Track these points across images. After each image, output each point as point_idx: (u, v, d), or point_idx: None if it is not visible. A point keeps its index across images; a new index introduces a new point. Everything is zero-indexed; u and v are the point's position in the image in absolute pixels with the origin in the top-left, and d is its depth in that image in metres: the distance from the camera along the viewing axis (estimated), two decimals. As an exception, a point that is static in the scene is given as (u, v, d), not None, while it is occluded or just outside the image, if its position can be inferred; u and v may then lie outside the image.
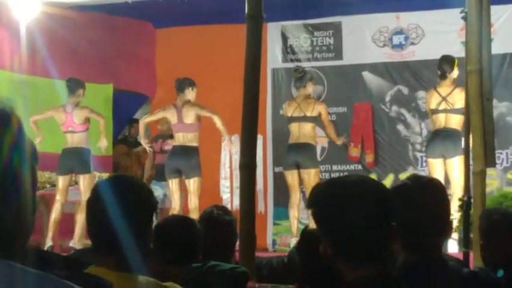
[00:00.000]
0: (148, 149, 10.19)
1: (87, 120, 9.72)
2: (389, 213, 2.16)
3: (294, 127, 9.58)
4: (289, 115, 9.61)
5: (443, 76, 9.11)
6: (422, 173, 10.45)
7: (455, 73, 9.07)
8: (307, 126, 9.51)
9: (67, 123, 9.63)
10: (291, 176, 9.58)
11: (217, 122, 9.40)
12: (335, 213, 2.14)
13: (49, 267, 1.39)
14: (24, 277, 1.20)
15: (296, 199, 9.61)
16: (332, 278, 3.38)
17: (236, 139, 9.60)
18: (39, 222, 9.42)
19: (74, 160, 9.52)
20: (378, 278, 2.12)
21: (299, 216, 9.62)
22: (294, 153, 9.51)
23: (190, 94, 9.58)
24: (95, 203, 2.59)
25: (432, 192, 2.77)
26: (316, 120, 9.67)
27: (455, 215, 7.54)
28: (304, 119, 9.49)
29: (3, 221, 1.25)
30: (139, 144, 11.45)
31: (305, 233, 3.65)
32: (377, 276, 2.12)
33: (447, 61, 9.13)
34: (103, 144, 9.90)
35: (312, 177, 9.39)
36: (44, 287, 1.22)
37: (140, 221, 2.60)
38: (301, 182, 9.57)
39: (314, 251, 3.44)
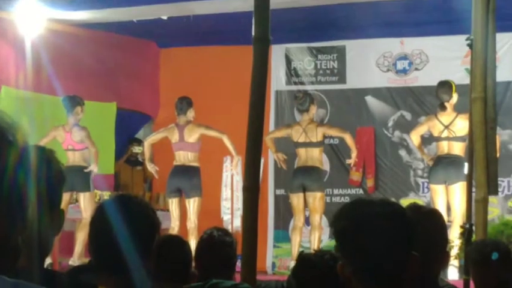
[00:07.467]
0: (154, 172, 9.97)
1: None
2: (411, 240, 2.14)
3: (301, 152, 9.55)
4: (296, 140, 9.56)
5: (443, 107, 9.09)
6: (424, 199, 10.46)
7: (455, 98, 9.05)
8: (315, 151, 9.48)
9: (66, 141, 9.62)
10: (297, 199, 9.49)
11: (226, 142, 9.41)
12: (359, 232, 2.09)
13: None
14: None
15: (300, 222, 9.53)
16: None
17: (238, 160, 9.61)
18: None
19: (74, 178, 9.45)
20: None
21: (301, 240, 9.55)
22: (300, 176, 9.45)
23: (191, 114, 9.60)
24: (99, 223, 2.57)
25: (432, 222, 2.77)
26: (323, 144, 9.66)
27: (456, 242, 7.54)
28: (310, 144, 9.46)
29: (10, 240, 1.24)
30: (141, 163, 11.42)
31: (302, 258, 3.61)
32: None
33: (444, 89, 9.10)
34: (94, 169, 9.79)
35: (317, 200, 9.34)
36: None
37: (144, 241, 2.58)
38: (306, 205, 9.51)
39: (310, 276, 3.42)
